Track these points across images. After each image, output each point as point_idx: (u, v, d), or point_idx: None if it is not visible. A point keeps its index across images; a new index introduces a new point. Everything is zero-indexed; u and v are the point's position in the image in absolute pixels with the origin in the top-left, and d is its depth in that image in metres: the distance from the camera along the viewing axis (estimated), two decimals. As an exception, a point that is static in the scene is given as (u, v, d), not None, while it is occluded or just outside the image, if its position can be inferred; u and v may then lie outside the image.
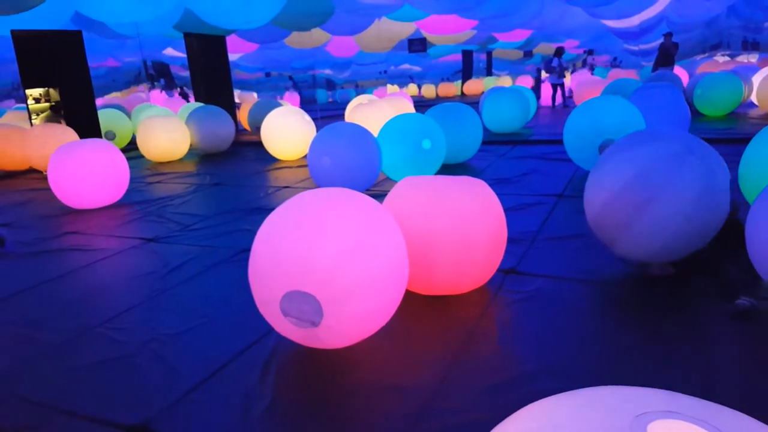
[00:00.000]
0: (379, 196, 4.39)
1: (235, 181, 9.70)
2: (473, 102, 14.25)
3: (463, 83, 34.78)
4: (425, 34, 22.79)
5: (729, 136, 10.17)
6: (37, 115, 13.16)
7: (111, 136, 14.30)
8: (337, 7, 15.21)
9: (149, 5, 11.33)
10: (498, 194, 4.23)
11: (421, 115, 8.74)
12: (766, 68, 16.39)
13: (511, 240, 4.95)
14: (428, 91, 36.28)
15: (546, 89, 21.00)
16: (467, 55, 35.29)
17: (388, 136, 8.21)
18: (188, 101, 24.42)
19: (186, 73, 19.93)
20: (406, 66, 42.43)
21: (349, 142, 7.60)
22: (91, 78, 13.77)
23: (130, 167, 8.55)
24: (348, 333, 3.19)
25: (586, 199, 4.39)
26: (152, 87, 30.61)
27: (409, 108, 14.30)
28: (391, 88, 35.72)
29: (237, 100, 20.31)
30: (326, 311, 2.94)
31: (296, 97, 31.81)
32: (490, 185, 4.23)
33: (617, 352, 3.25)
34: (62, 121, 13.08)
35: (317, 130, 8.69)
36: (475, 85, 33.39)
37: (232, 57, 21.27)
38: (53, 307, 4.52)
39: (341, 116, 16.10)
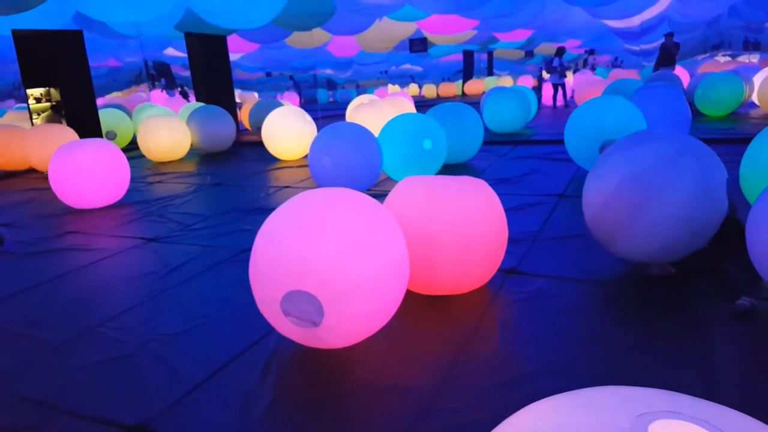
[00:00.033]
0: (380, 196, 4.38)
1: (236, 181, 9.70)
2: (474, 102, 14.26)
3: (464, 83, 34.78)
4: (426, 33, 22.79)
5: (730, 136, 10.17)
6: (38, 114, 13.17)
7: (112, 136, 14.31)
8: (338, 7, 15.21)
9: (150, 5, 11.35)
10: (499, 194, 4.22)
11: (422, 115, 8.73)
12: (767, 68, 16.39)
13: (511, 240, 4.95)
14: (429, 91, 36.28)
15: (547, 89, 20.99)
16: (468, 55, 35.31)
17: (389, 136, 8.21)
18: (188, 101, 24.46)
19: (187, 73, 19.93)
20: (407, 66, 42.46)
21: (349, 142, 7.60)
22: (92, 78, 13.79)
23: (131, 167, 8.56)
24: (349, 333, 3.19)
25: (585, 200, 4.40)
26: (153, 87, 30.63)
27: (410, 108, 14.29)
28: (392, 88, 35.77)
29: (238, 100, 20.32)
30: (327, 311, 2.94)
31: (295, 97, 31.78)
32: (491, 185, 4.23)
33: (618, 352, 3.25)
34: (63, 120, 13.10)
35: (318, 130, 8.68)
36: (476, 85, 33.40)
37: (233, 57, 21.29)
38: (53, 307, 4.52)
39: (342, 116, 16.10)
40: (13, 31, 12.35)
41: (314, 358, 3.37)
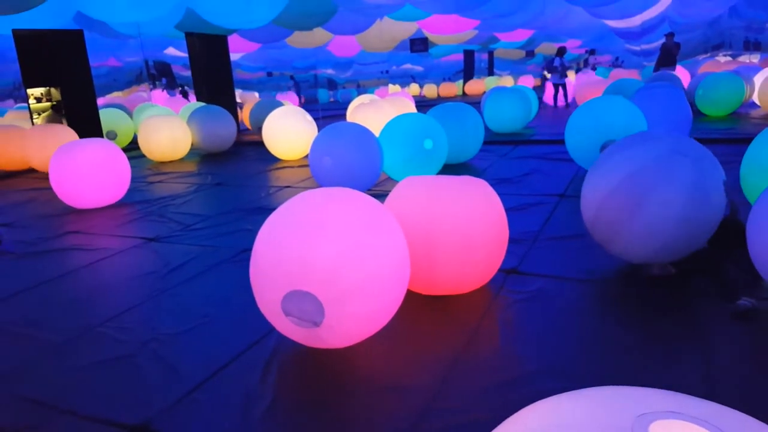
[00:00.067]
0: (381, 196, 4.38)
1: (237, 181, 9.70)
2: (475, 102, 14.26)
3: (464, 83, 34.80)
4: (427, 33, 22.80)
5: (730, 136, 10.16)
6: (39, 114, 13.18)
7: (112, 136, 14.32)
8: (339, 7, 15.21)
9: (151, 5, 11.34)
10: (499, 194, 4.22)
11: (423, 115, 8.73)
12: (767, 68, 16.37)
13: (512, 240, 4.95)
14: (430, 90, 36.30)
15: (549, 88, 20.98)
16: (469, 54, 35.34)
17: (390, 136, 8.21)
18: (188, 100, 24.46)
19: (187, 73, 19.94)
20: (407, 66, 42.48)
21: (350, 142, 7.60)
22: (93, 77, 13.79)
23: (132, 167, 8.56)
24: (349, 333, 3.19)
25: (583, 201, 4.40)
26: (154, 87, 30.65)
27: (411, 108, 14.29)
28: (393, 88, 35.75)
29: (239, 100, 20.32)
30: (327, 311, 2.94)
31: (294, 96, 31.76)
32: (492, 185, 4.24)
33: (618, 352, 3.25)
34: (63, 120, 13.10)
35: (319, 130, 8.68)
36: (476, 85, 33.42)
37: (234, 56, 21.30)
38: (54, 307, 4.53)
39: (343, 116, 16.11)
40: (14, 31, 12.36)
41: (315, 358, 3.37)
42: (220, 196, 8.53)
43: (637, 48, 28.00)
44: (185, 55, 18.69)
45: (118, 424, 2.85)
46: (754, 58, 28.27)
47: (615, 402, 1.23)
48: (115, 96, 27.01)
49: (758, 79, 15.06)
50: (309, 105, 29.94)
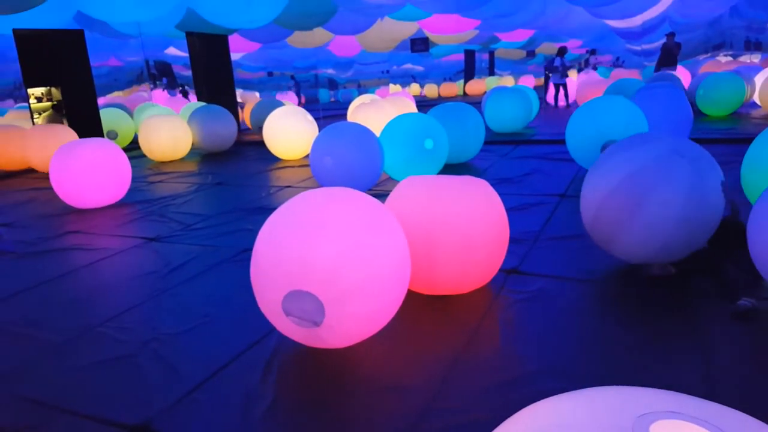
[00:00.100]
0: (381, 196, 4.38)
1: (237, 181, 9.70)
2: (475, 102, 14.26)
3: (465, 83, 34.80)
4: (428, 33, 22.81)
5: (731, 136, 10.16)
6: (39, 114, 13.18)
7: (113, 136, 14.32)
8: (340, 7, 15.22)
9: (151, 5, 11.35)
10: (500, 194, 4.22)
11: (424, 115, 8.73)
12: (768, 68, 16.38)
13: (513, 240, 4.95)
14: (430, 90, 36.30)
15: (552, 88, 20.97)
16: (469, 54, 35.34)
17: (391, 136, 8.21)
18: (188, 100, 24.46)
19: (188, 73, 19.94)
20: (408, 66, 42.47)
21: (351, 142, 7.60)
22: (93, 77, 13.80)
23: (132, 166, 8.56)
24: (350, 333, 3.19)
25: (583, 202, 4.41)
26: (154, 86, 30.64)
27: (412, 108, 14.29)
28: (394, 88, 35.75)
29: (239, 100, 20.31)
30: (328, 311, 2.94)
31: (293, 96, 31.75)
32: (493, 185, 4.24)
33: (619, 352, 3.24)
34: (64, 120, 13.10)
35: (319, 130, 8.68)
36: (477, 85, 33.42)
37: (235, 56, 21.29)
38: (54, 307, 4.53)
39: (343, 116, 16.12)
40: (15, 31, 12.36)
41: (315, 358, 3.37)
42: (220, 196, 8.53)
43: (638, 48, 27.99)
44: (186, 54, 18.69)
45: (119, 424, 2.85)
46: (755, 58, 28.25)
47: (615, 402, 1.23)
48: (116, 96, 27.01)
49: (759, 79, 15.06)
50: (310, 105, 29.95)
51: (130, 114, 16.73)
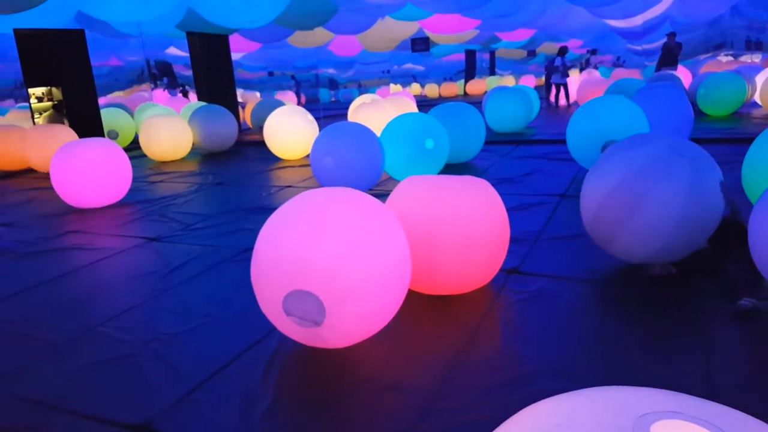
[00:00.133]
0: (382, 196, 4.38)
1: (238, 181, 9.70)
2: (476, 102, 14.25)
3: (466, 83, 34.79)
4: (428, 33, 22.81)
5: (732, 136, 10.16)
6: (40, 114, 13.18)
7: (113, 136, 14.32)
8: (340, 6, 15.21)
9: (152, 4, 11.34)
10: (501, 194, 4.22)
11: (424, 115, 8.73)
12: (769, 68, 16.37)
13: (513, 240, 4.95)
14: (431, 90, 36.29)
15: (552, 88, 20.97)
16: (470, 54, 35.33)
17: (391, 136, 8.20)
18: (189, 99, 24.47)
19: (189, 72, 19.95)
20: (409, 65, 42.46)
21: (351, 142, 7.60)
22: (94, 77, 13.81)
23: (133, 166, 8.56)
24: (350, 332, 3.19)
25: (582, 202, 4.41)
26: (155, 86, 30.65)
27: (412, 107, 14.29)
28: (394, 88, 35.72)
29: (240, 100, 20.31)
30: (329, 311, 2.94)
31: (292, 96, 31.71)
32: (493, 185, 4.23)
33: (619, 352, 3.24)
34: (65, 120, 13.10)
35: (320, 130, 8.68)
36: (478, 85, 33.40)
37: (235, 56, 21.29)
38: (54, 307, 4.53)
39: (344, 116, 16.11)
40: (15, 31, 12.37)
41: (316, 358, 3.36)
42: (221, 196, 8.53)
43: (639, 48, 27.99)
44: (186, 54, 18.69)
45: (119, 423, 2.85)
46: (756, 58, 28.23)
47: (616, 402, 1.23)
48: (117, 95, 27.00)
49: (760, 79, 15.05)
50: (310, 104, 29.94)
51: (131, 114, 16.73)
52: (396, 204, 3.98)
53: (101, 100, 15.46)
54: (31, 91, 12.95)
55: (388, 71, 42.77)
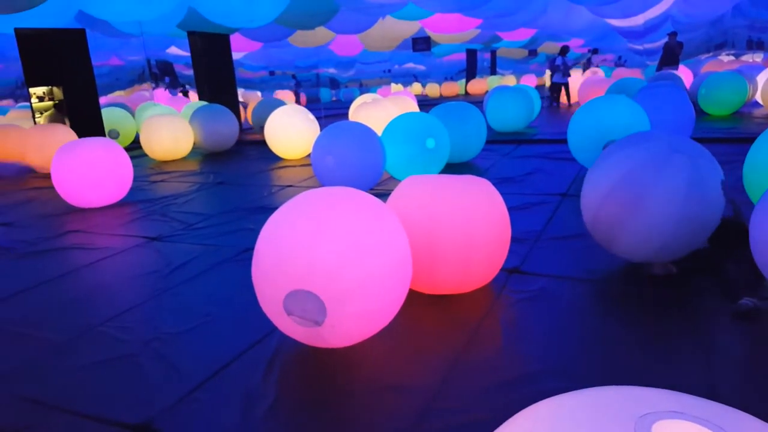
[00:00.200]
0: (383, 195, 4.38)
1: (239, 180, 9.70)
2: (477, 101, 14.24)
3: (467, 82, 34.77)
4: (429, 32, 22.81)
5: (733, 135, 10.14)
6: (41, 113, 13.18)
7: (114, 135, 14.32)
8: (341, 6, 15.21)
9: (153, 4, 11.35)
10: (502, 193, 4.22)
11: (425, 114, 8.73)
12: (770, 68, 16.35)
13: (515, 239, 4.94)
14: (432, 90, 36.28)
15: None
16: (471, 54, 35.31)
17: (392, 135, 8.20)
18: (189, 99, 24.47)
19: (190, 72, 19.94)
20: (410, 65, 42.45)
21: (352, 141, 7.60)
22: (95, 76, 13.81)
23: (134, 166, 8.56)
24: (351, 332, 3.19)
25: (583, 201, 4.40)
26: (156, 86, 30.65)
27: (413, 107, 14.29)
28: (395, 87, 35.69)
29: (241, 99, 20.30)
30: (329, 310, 2.94)
31: (290, 95, 31.67)
32: (494, 184, 4.22)
33: (620, 352, 3.24)
34: (66, 119, 13.10)
35: (321, 129, 8.68)
36: (479, 84, 33.38)
37: (236, 55, 21.28)
38: (55, 307, 4.53)
39: (345, 115, 16.10)
40: (16, 30, 12.37)
41: (316, 358, 3.36)
42: (222, 196, 8.53)
43: (640, 47, 27.97)
44: (187, 54, 18.68)
45: (120, 423, 2.85)
46: (757, 58, 28.22)
47: (617, 402, 1.23)
48: (118, 95, 27.00)
49: (761, 79, 15.03)
50: (311, 104, 29.94)
51: (132, 113, 16.73)
52: (397, 203, 3.98)
53: (102, 100, 15.46)
54: (32, 90, 12.96)
55: (389, 71, 42.75)
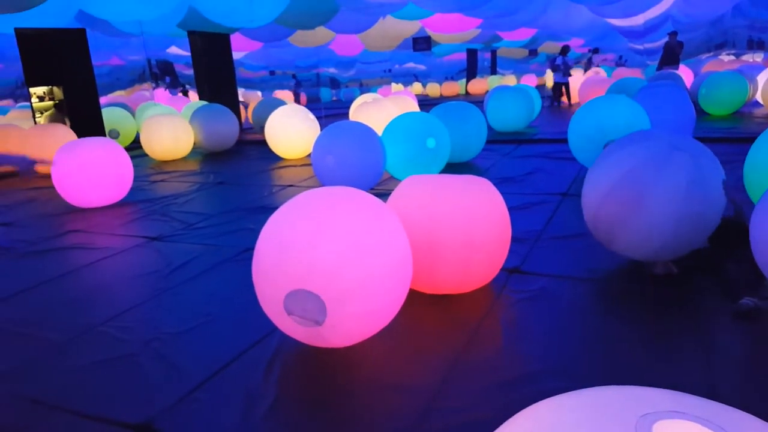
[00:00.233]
0: (383, 195, 4.38)
1: (239, 180, 9.70)
2: (477, 101, 14.24)
3: (467, 82, 34.77)
4: (430, 32, 22.80)
5: (733, 135, 10.13)
6: (41, 113, 13.18)
7: (115, 135, 14.31)
8: (342, 6, 15.21)
9: (153, 3, 11.36)
10: (502, 193, 4.21)
11: (426, 114, 8.73)
12: (771, 67, 16.35)
13: (515, 239, 4.94)
14: (432, 89, 36.27)
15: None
16: (472, 53, 35.30)
17: (393, 135, 8.20)
18: (188, 99, 24.48)
19: (190, 72, 19.94)
20: (410, 65, 42.46)
21: (353, 141, 7.60)
22: (95, 76, 13.80)
23: (134, 166, 8.55)
24: (351, 332, 3.18)
25: (584, 199, 4.40)
26: (157, 85, 30.66)
27: (414, 107, 14.28)
28: (396, 87, 35.68)
29: (242, 99, 20.30)
30: (330, 310, 2.93)
31: (290, 95, 31.67)
32: (495, 184, 4.22)
33: (621, 352, 3.24)
34: (66, 119, 13.10)
35: (321, 129, 8.68)
36: (479, 84, 33.37)
37: (237, 55, 21.28)
38: (55, 306, 4.52)
39: (345, 115, 16.09)
40: (16, 30, 12.36)
41: (317, 357, 3.36)
42: (222, 195, 8.53)
43: (641, 47, 27.97)
44: (188, 53, 18.68)
45: (120, 423, 2.85)
46: (758, 57, 28.23)
47: (618, 402, 1.22)
48: (118, 95, 27.00)
49: (761, 78, 15.03)
50: (312, 104, 29.93)
51: (132, 113, 16.73)
52: (397, 203, 3.97)
53: (102, 100, 15.45)
54: (32, 90, 12.95)
55: (390, 70, 42.75)
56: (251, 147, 14.13)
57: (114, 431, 2.80)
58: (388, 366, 3.29)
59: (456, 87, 35.71)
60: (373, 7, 15.69)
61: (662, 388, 1.30)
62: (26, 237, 6.61)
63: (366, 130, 7.76)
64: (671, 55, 17.82)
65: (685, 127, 8.85)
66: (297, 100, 30.79)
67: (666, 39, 18.29)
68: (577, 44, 31.14)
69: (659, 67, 18.17)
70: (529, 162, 9.38)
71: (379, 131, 8.35)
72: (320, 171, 7.74)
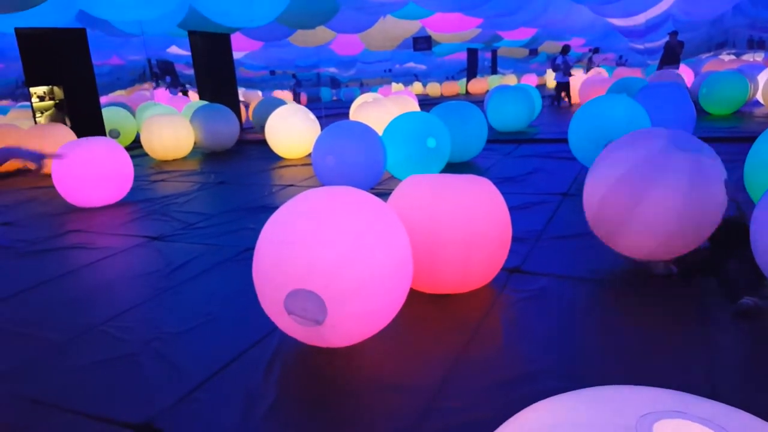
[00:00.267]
0: (384, 195, 4.38)
1: (240, 180, 9.70)
2: (478, 100, 14.23)
3: (467, 82, 34.76)
4: (430, 32, 22.78)
5: (734, 134, 10.13)
6: (42, 113, 13.18)
7: (115, 135, 14.31)
8: (342, 5, 15.20)
9: (153, 3, 11.35)
10: (503, 193, 4.21)
11: (426, 114, 8.73)
12: (771, 67, 16.35)
13: (515, 239, 4.94)
14: (433, 89, 36.26)
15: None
16: (472, 53, 35.27)
17: (393, 135, 8.20)
18: (188, 98, 24.49)
19: (190, 71, 19.94)
20: (410, 64, 42.45)
21: (353, 141, 7.60)
22: (95, 76, 13.79)
23: (134, 165, 8.55)
24: (352, 332, 3.18)
25: (585, 198, 4.40)
26: (157, 85, 30.69)
27: (414, 106, 14.28)
28: (396, 87, 35.70)
29: (242, 99, 20.29)
30: (330, 310, 2.93)
31: (289, 95, 31.68)
32: (495, 184, 4.22)
33: (621, 351, 3.23)
34: (66, 119, 13.10)
35: (322, 129, 8.68)
36: (479, 84, 33.34)
37: (237, 55, 21.28)
38: (56, 306, 4.52)
39: (346, 114, 16.08)
40: (17, 30, 12.36)
41: (317, 357, 3.36)
42: (222, 195, 8.53)
43: (641, 46, 27.96)
44: (188, 53, 18.67)
45: (120, 423, 2.85)
46: (758, 57, 28.23)
47: (618, 401, 1.22)
48: (118, 94, 27.04)
49: (762, 78, 15.02)
50: (312, 103, 29.94)
51: (133, 113, 16.73)
52: (398, 203, 3.97)
53: (103, 99, 15.47)
54: (32, 90, 12.95)
55: (390, 70, 42.77)
56: (252, 147, 14.13)
57: (114, 431, 2.80)
58: (388, 366, 3.29)
59: (456, 87, 35.71)
60: (374, 7, 15.69)
61: (662, 388, 1.29)
62: (26, 237, 6.61)
63: (366, 130, 7.76)
64: (672, 55, 17.81)
65: (686, 126, 8.84)
66: (297, 100, 30.80)
67: (666, 38, 18.28)
68: (577, 44, 31.12)
69: (660, 67, 18.16)
70: (529, 162, 9.38)
71: (380, 131, 8.35)
72: (320, 171, 7.74)
